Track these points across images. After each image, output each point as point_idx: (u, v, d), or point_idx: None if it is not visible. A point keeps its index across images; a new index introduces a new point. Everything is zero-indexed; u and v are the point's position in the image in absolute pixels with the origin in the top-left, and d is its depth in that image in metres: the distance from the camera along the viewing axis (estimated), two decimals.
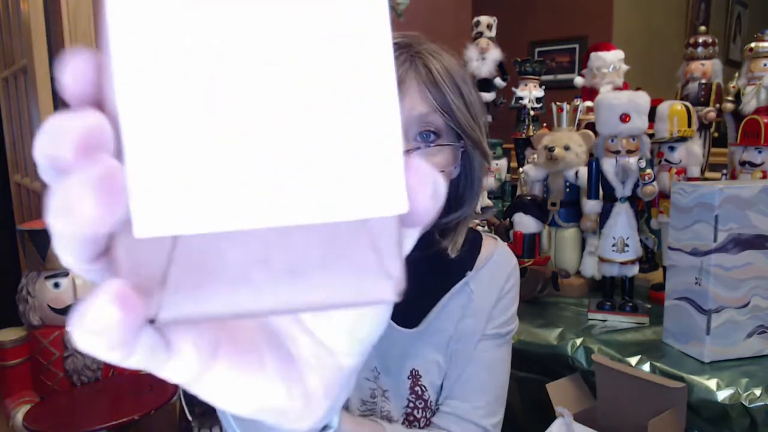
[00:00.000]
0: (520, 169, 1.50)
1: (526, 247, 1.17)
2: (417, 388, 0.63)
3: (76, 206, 0.13)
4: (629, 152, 1.08)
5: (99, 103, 0.15)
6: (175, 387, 1.28)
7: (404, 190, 0.16)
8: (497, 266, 0.66)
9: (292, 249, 0.16)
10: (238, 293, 0.15)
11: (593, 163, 1.12)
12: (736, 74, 1.33)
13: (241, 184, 0.15)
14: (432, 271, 0.64)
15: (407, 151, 0.50)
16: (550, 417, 0.89)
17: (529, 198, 1.21)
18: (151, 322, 0.15)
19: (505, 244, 0.70)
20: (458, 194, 0.62)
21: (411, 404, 0.63)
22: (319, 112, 0.15)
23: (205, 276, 0.15)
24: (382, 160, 0.16)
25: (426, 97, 0.55)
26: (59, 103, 1.40)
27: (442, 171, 0.57)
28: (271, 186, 0.15)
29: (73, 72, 0.15)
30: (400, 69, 0.55)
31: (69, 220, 0.14)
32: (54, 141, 0.14)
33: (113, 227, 0.14)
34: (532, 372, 1.07)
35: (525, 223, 1.18)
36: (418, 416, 0.63)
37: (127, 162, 0.14)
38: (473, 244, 0.66)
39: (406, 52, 0.56)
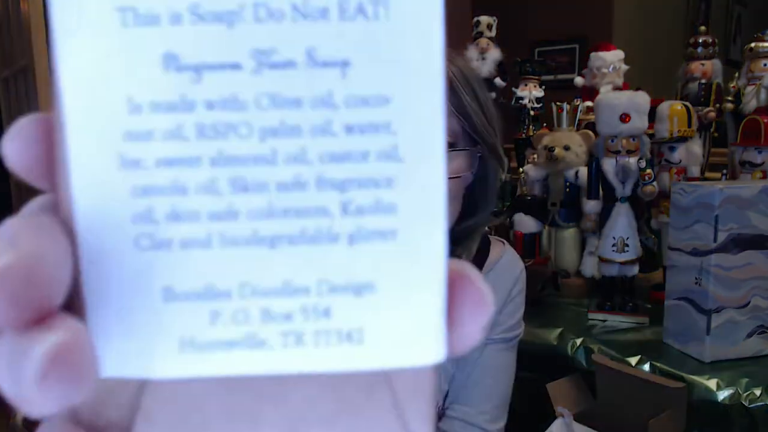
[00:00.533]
0: (520, 169, 1.50)
1: (526, 247, 1.17)
2: None
3: (27, 406, 0.11)
4: (629, 152, 1.08)
5: (49, 178, 0.12)
6: None
7: (443, 332, 0.13)
8: (504, 271, 0.66)
9: (292, 405, 0.13)
10: None
11: (593, 163, 1.12)
12: (736, 74, 1.33)
13: (231, 316, 0.12)
14: None
15: None
16: (550, 417, 0.89)
17: (529, 198, 1.21)
18: None
19: (512, 248, 0.70)
20: (473, 201, 0.62)
21: None
22: (338, 233, 0.12)
23: None
24: (416, 294, 0.12)
25: None
26: None
27: (457, 176, 0.57)
28: (271, 320, 0.12)
29: (21, 142, 0.12)
30: None
31: (29, 412, 0.11)
32: None
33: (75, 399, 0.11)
34: (531, 372, 1.07)
35: (525, 223, 1.18)
36: None
37: (86, 282, 0.12)
38: (481, 248, 0.66)
39: None
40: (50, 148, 0.12)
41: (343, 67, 0.12)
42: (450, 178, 0.44)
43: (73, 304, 0.12)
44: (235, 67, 0.12)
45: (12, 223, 0.12)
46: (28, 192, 1.83)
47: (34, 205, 0.13)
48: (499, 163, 0.61)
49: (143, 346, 0.12)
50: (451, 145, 0.56)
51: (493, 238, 0.69)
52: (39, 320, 0.11)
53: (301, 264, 0.12)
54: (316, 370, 0.12)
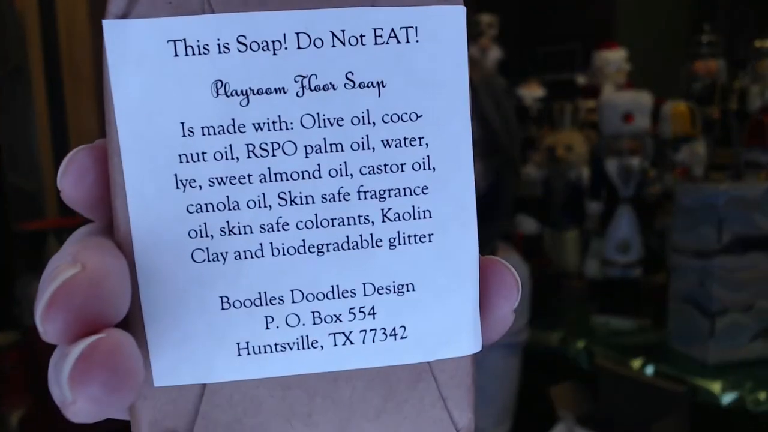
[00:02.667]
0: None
1: (527, 249, 1.16)
2: None
3: (71, 411, 0.11)
4: (632, 152, 1.07)
5: (106, 206, 0.13)
6: None
7: (478, 325, 0.14)
8: None
9: (342, 399, 0.14)
10: None
11: (596, 164, 1.11)
12: (741, 73, 1.32)
13: (284, 320, 0.13)
14: None
15: None
16: (553, 420, 0.88)
17: (530, 199, 1.20)
18: None
19: (516, 253, 0.69)
20: (484, 210, 0.61)
21: None
22: (379, 239, 0.13)
23: None
24: (452, 291, 0.14)
25: None
26: (54, 103, 1.39)
27: None
28: (321, 322, 0.13)
29: (74, 174, 0.13)
30: None
31: (73, 417, 0.11)
32: (41, 318, 0.11)
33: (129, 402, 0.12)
34: (533, 374, 1.06)
35: (526, 224, 1.18)
36: None
37: (142, 298, 0.13)
38: (488, 253, 0.65)
39: None
40: (101, 176, 0.13)
41: (379, 87, 0.13)
42: None
43: (124, 322, 0.12)
44: (281, 91, 0.13)
45: (71, 243, 0.13)
46: (23, 193, 1.81)
47: (81, 232, 0.14)
48: (515, 174, 0.60)
49: (202, 353, 0.13)
50: None
51: (500, 244, 0.68)
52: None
53: (347, 269, 0.13)
54: (365, 366, 0.14)
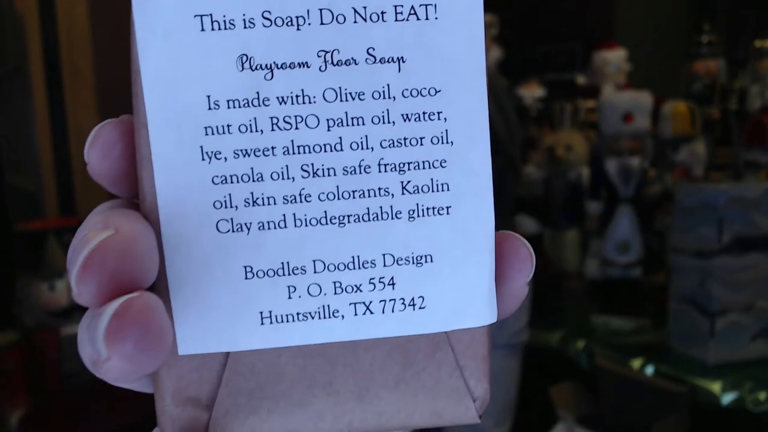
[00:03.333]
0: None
1: None
2: None
3: (104, 368, 0.12)
4: (632, 152, 1.07)
5: (130, 180, 0.14)
6: None
7: (494, 296, 0.14)
8: None
9: (362, 368, 0.14)
10: (296, 419, 0.14)
11: (595, 164, 1.11)
12: (741, 73, 1.32)
13: (306, 290, 0.13)
14: None
15: None
16: (553, 420, 0.88)
17: (530, 199, 1.20)
18: None
19: None
20: None
21: None
22: (399, 211, 0.14)
23: (260, 401, 0.14)
24: (469, 263, 0.14)
25: None
26: (54, 103, 1.38)
27: None
28: (342, 292, 0.14)
29: (101, 148, 0.13)
30: None
31: (101, 376, 0.12)
32: (77, 281, 0.12)
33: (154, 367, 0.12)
34: (534, 374, 1.06)
35: (526, 224, 1.18)
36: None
37: (168, 267, 0.13)
38: None
39: None
40: (126, 150, 0.13)
41: (399, 63, 0.13)
42: None
43: (150, 291, 0.13)
44: (304, 65, 0.13)
45: (97, 214, 0.13)
46: (22, 193, 1.81)
47: (105, 205, 0.14)
48: (516, 176, 0.60)
49: (226, 321, 0.13)
50: None
51: None
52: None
53: (368, 240, 0.14)
54: (384, 336, 0.14)
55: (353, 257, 0.14)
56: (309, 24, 0.13)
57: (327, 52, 0.13)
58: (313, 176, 0.13)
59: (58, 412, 1.24)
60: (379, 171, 0.13)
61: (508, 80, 1.61)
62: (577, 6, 2.75)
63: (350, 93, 0.13)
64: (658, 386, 0.85)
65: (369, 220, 0.14)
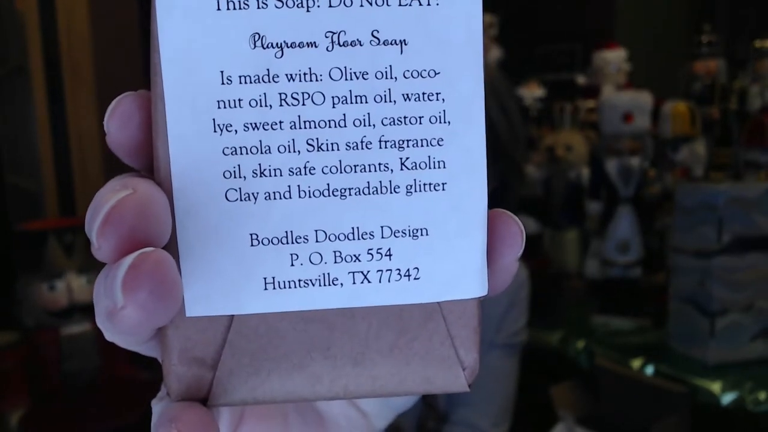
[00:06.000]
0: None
1: (527, 249, 1.16)
2: (428, 398, 0.63)
3: (120, 316, 0.12)
4: (632, 152, 1.07)
5: (146, 151, 0.14)
6: None
7: (485, 270, 0.15)
8: None
9: (358, 334, 0.15)
10: (295, 381, 0.14)
11: (595, 164, 1.11)
12: (741, 73, 1.32)
13: (308, 258, 0.14)
14: None
15: None
16: (553, 420, 0.88)
17: (530, 199, 1.20)
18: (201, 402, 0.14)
19: None
20: None
21: (423, 414, 0.63)
22: (397, 185, 0.14)
23: (262, 362, 0.14)
24: (462, 237, 0.15)
25: None
26: (54, 103, 1.38)
27: None
28: (342, 261, 0.14)
29: (120, 118, 0.14)
30: None
31: (116, 327, 0.12)
32: (92, 224, 0.12)
33: (162, 323, 0.13)
34: (533, 374, 1.06)
35: (526, 224, 1.17)
36: (430, 427, 0.63)
37: (179, 232, 0.14)
38: None
39: None
40: (144, 122, 0.14)
41: (401, 45, 0.14)
42: None
43: None
44: (312, 45, 0.14)
45: (115, 180, 0.14)
46: (23, 193, 1.81)
47: (121, 176, 0.14)
48: (520, 178, 0.60)
49: (232, 285, 0.14)
50: None
51: None
52: None
53: (367, 212, 0.14)
54: (380, 304, 0.14)
55: (353, 228, 0.14)
56: (318, 6, 0.14)
57: (334, 33, 0.14)
58: (318, 150, 0.14)
59: (58, 412, 1.24)
60: (380, 147, 0.14)
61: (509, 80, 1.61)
62: (577, 6, 2.75)
63: (355, 72, 0.14)
64: (658, 386, 0.85)
65: (369, 193, 0.14)
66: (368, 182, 0.14)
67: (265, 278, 0.14)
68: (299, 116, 0.14)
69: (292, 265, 0.14)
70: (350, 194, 0.14)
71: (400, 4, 0.14)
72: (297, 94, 0.14)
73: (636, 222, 1.10)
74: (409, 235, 0.14)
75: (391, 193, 0.14)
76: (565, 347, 1.02)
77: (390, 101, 0.14)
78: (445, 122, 0.14)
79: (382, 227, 0.14)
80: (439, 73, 0.14)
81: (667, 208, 1.13)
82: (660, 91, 1.27)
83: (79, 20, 1.46)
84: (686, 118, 1.10)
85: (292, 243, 0.14)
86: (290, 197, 0.14)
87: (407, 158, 0.14)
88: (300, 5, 0.14)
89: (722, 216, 0.87)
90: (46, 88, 1.50)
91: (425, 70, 0.14)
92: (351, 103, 0.14)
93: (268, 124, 0.14)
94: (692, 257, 0.91)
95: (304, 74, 0.14)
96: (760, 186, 0.90)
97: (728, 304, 0.89)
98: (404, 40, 0.14)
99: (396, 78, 0.14)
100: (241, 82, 0.14)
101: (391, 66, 0.14)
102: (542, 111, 1.61)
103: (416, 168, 0.14)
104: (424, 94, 0.14)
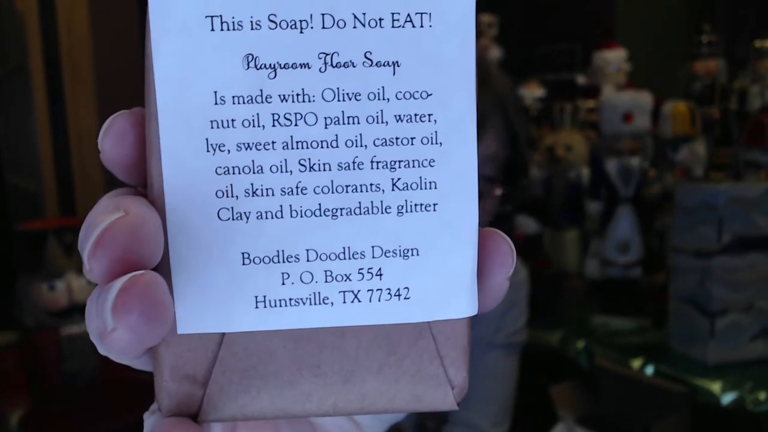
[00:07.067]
0: None
1: (527, 249, 1.16)
2: None
3: (110, 338, 0.12)
4: (632, 152, 1.07)
5: (140, 168, 0.14)
6: None
7: (475, 290, 0.15)
8: None
9: (348, 352, 0.15)
10: (285, 398, 0.15)
11: (595, 164, 1.11)
12: (741, 73, 1.32)
13: (299, 277, 0.14)
14: None
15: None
16: (553, 420, 0.88)
17: (530, 199, 1.20)
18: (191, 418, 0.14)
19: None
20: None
21: (423, 414, 0.63)
22: (389, 206, 0.14)
23: (252, 379, 0.14)
24: (452, 257, 0.15)
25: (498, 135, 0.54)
26: (54, 103, 1.38)
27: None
28: (333, 280, 0.14)
29: (114, 136, 0.14)
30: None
31: (106, 348, 0.13)
32: (86, 251, 0.13)
33: (154, 342, 0.13)
34: (533, 374, 1.06)
35: (526, 224, 1.17)
36: (430, 427, 0.63)
37: (171, 251, 0.14)
38: None
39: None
40: (138, 139, 0.14)
41: (394, 66, 0.14)
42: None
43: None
44: (305, 66, 0.14)
45: (108, 198, 0.14)
46: (23, 193, 1.81)
47: (115, 192, 0.15)
48: (522, 192, 0.60)
49: (223, 303, 0.14)
50: (490, 180, 0.55)
51: None
52: None
53: (358, 232, 0.14)
54: (370, 323, 0.15)
55: (344, 248, 0.14)
56: (311, 27, 0.14)
57: (327, 54, 0.14)
58: (310, 170, 0.14)
59: (58, 412, 1.24)
60: (372, 168, 0.14)
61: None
62: (577, 6, 2.75)
63: (347, 93, 0.14)
64: (658, 386, 0.85)
65: (360, 213, 0.14)
66: (360, 202, 0.14)
67: (256, 296, 0.14)
68: (292, 137, 0.14)
69: (283, 283, 0.14)
70: (342, 214, 0.14)
71: (393, 26, 0.14)
72: (290, 114, 0.14)
73: (636, 222, 1.10)
74: (400, 255, 0.14)
75: (382, 213, 0.14)
76: (565, 347, 1.02)
77: (382, 122, 0.14)
78: (436, 143, 0.14)
79: (373, 247, 0.14)
80: (431, 94, 0.14)
81: (667, 208, 1.13)
82: (660, 91, 1.27)
83: (79, 20, 1.46)
84: (686, 118, 1.10)
85: (284, 262, 0.14)
86: (282, 217, 0.14)
87: (399, 179, 0.14)
88: (293, 26, 0.14)
89: (722, 216, 0.87)
90: (46, 88, 1.50)
91: (418, 92, 0.14)
92: (343, 123, 0.14)
93: (260, 144, 0.14)
94: (692, 257, 0.91)
95: (297, 95, 0.14)
96: (760, 186, 0.90)
97: (728, 304, 0.89)
98: (397, 62, 0.14)
99: (388, 99, 0.14)
100: (234, 103, 0.14)
101: (383, 87, 0.14)
102: (542, 111, 1.61)
103: (407, 188, 0.14)
104: (416, 115, 0.14)
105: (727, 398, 0.83)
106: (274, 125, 0.14)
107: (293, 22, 0.14)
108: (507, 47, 1.62)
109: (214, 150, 0.14)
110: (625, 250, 1.09)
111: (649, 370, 0.92)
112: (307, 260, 0.14)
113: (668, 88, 1.52)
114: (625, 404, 0.88)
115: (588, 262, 1.22)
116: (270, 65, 0.14)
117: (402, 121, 0.14)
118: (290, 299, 0.14)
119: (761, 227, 0.89)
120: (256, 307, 0.14)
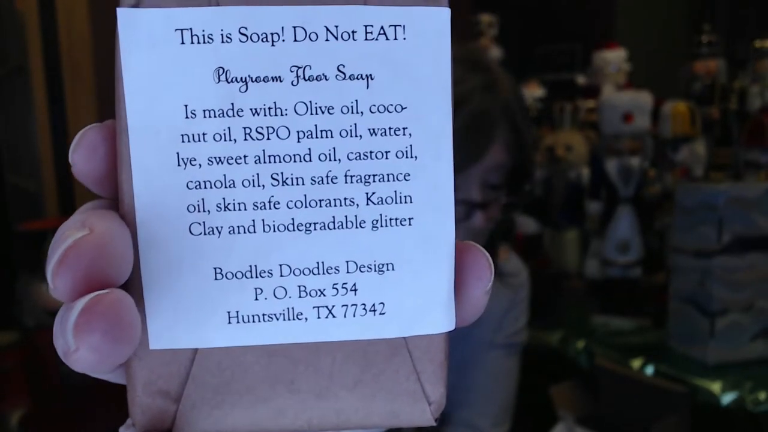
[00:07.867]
0: None
1: (527, 249, 1.16)
2: None
3: (73, 358, 0.12)
4: (632, 152, 1.07)
5: (112, 181, 0.14)
6: None
7: (452, 305, 0.15)
8: (509, 276, 0.66)
9: (322, 368, 0.15)
10: (259, 414, 0.14)
11: (595, 164, 1.11)
12: (741, 73, 1.32)
13: (272, 292, 0.14)
14: None
15: (483, 205, 0.49)
16: (553, 420, 0.88)
17: (530, 199, 1.20)
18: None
19: (516, 255, 0.69)
20: (494, 235, 0.62)
21: None
22: (363, 220, 0.14)
23: (225, 395, 0.14)
24: (429, 272, 0.15)
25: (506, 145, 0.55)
26: (54, 103, 1.38)
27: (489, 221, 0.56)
28: (306, 295, 0.14)
29: (85, 149, 0.14)
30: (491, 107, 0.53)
31: (72, 366, 0.12)
32: (52, 277, 0.12)
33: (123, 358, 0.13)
34: (533, 374, 1.06)
35: (526, 224, 1.17)
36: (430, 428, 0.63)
37: (142, 265, 0.14)
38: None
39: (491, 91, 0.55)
40: (109, 153, 0.14)
41: (368, 80, 0.14)
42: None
43: (125, 288, 0.13)
44: (277, 79, 0.14)
45: (79, 213, 0.14)
46: (23, 192, 1.81)
47: (88, 205, 0.15)
48: (524, 198, 0.61)
49: (195, 319, 0.14)
50: (497, 188, 0.56)
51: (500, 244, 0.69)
52: None
53: (332, 247, 0.14)
54: (345, 339, 0.14)
55: (318, 263, 0.14)
56: (283, 40, 0.13)
57: (299, 67, 0.14)
58: (283, 185, 0.14)
59: (58, 412, 1.24)
60: (346, 182, 0.14)
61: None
62: (577, 6, 2.75)
63: (320, 107, 0.14)
64: (658, 386, 0.85)
65: (334, 228, 0.14)
66: (333, 217, 0.14)
67: (228, 312, 0.14)
68: (264, 150, 0.14)
69: (256, 299, 0.14)
70: (315, 229, 0.14)
71: (366, 39, 0.14)
72: (262, 128, 0.14)
73: (636, 222, 1.10)
74: (375, 270, 0.14)
75: (356, 227, 0.14)
76: (565, 347, 1.02)
77: (356, 136, 0.14)
78: (411, 157, 0.14)
79: (347, 262, 0.14)
80: (406, 107, 0.14)
81: (667, 208, 1.13)
82: (660, 91, 1.27)
83: (79, 20, 1.46)
84: (686, 118, 1.10)
85: (257, 277, 0.14)
86: (254, 231, 0.14)
87: (373, 193, 0.14)
88: (264, 39, 0.13)
89: (722, 216, 0.87)
90: (46, 88, 1.50)
91: (392, 105, 0.14)
92: (316, 137, 0.14)
93: (232, 158, 0.14)
94: (692, 257, 0.91)
95: (269, 108, 0.14)
96: (760, 186, 0.90)
97: (728, 304, 0.89)
98: (370, 75, 0.14)
99: (362, 113, 0.14)
100: (205, 116, 0.13)
101: (357, 100, 0.14)
102: (542, 111, 1.61)
103: (382, 203, 0.14)
104: (390, 128, 0.14)
105: (727, 398, 0.83)
106: (245, 139, 0.14)
107: (264, 35, 0.13)
108: (507, 47, 1.62)
109: (185, 164, 0.14)
110: (625, 250, 1.09)
111: (649, 370, 0.92)
112: (281, 275, 0.14)
113: (668, 88, 1.52)
114: (625, 404, 0.88)
115: (588, 262, 1.22)
116: (241, 78, 0.13)
117: (376, 134, 0.14)
118: (263, 315, 0.14)
119: (761, 227, 0.89)
120: (229, 323, 0.14)
